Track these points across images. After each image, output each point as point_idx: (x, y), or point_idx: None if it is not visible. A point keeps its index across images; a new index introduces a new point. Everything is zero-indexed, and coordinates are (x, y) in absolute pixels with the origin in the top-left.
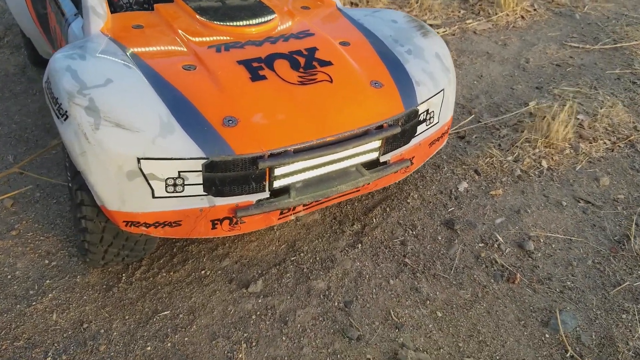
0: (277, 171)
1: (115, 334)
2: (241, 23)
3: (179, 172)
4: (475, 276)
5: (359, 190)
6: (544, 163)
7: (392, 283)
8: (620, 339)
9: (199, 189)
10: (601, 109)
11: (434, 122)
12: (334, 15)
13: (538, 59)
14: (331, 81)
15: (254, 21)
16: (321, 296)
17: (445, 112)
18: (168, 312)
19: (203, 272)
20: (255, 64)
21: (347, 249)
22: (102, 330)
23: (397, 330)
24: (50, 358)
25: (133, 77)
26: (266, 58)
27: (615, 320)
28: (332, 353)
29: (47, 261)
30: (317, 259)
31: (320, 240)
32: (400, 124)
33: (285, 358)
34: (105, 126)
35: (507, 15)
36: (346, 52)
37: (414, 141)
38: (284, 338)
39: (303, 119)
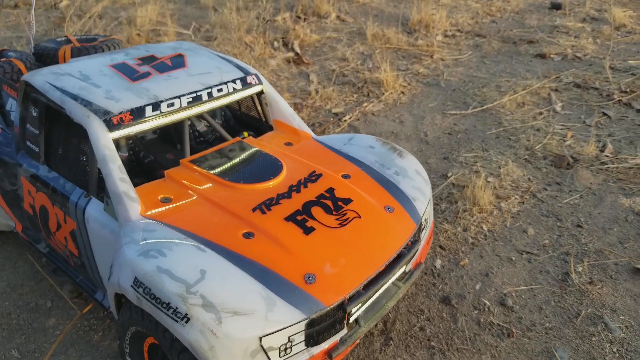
0: (353, 309)
1: None
2: (265, 178)
3: (289, 337)
4: (485, 340)
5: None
6: (485, 227)
7: None
8: (600, 356)
9: (302, 345)
10: (500, 168)
11: (428, 225)
12: (318, 149)
13: (432, 131)
14: (360, 217)
15: (271, 175)
16: None
17: (431, 213)
18: None
19: None
20: (299, 217)
21: (383, 348)
22: None
23: None
24: None
25: (215, 260)
26: (303, 209)
27: (590, 344)
28: None
29: None
30: None
31: (358, 348)
32: (417, 238)
33: None
34: (226, 318)
35: (391, 93)
36: (354, 185)
37: (420, 246)
38: None
39: (358, 258)
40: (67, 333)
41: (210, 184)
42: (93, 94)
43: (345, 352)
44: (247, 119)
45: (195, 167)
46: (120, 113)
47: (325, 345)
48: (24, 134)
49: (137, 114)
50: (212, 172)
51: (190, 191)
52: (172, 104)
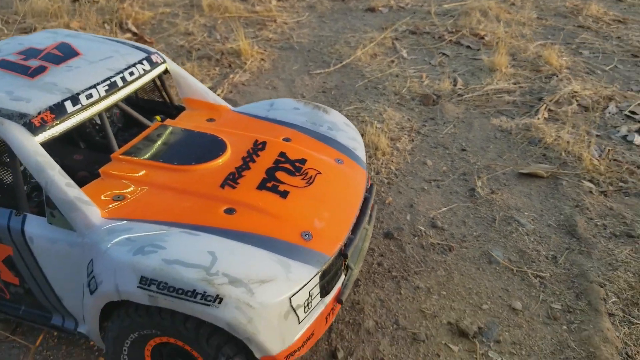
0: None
1: None
2: (214, 156)
3: (309, 292)
4: (433, 258)
5: None
6: (392, 167)
7: (402, 294)
8: (524, 247)
9: (318, 298)
10: (381, 115)
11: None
12: (245, 120)
13: (307, 91)
14: (321, 173)
15: (219, 151)
16: None
17: None
18: None
19: None
20: (269, 184)
21: (355, 290)
22: None
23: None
24: None
25: (215, 240)
26: (268, 176)
27: (512, 240)
28: None
29: None
30: None
31: None
32: (370, 182)
33: None
34: (256, 288)
35: (252, 62)
36: (300, 146)
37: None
38: None
39: (336, 208)
40: None
41: (158, 172)
42: None
43: (347, 295)
44: (149, 104)
45: (132, 159)
46: (39, 113)
47: (333, 293)
48: None
49: (58, 111)
50: (154, 160)
51: (138, 184)
52: (91, 95)
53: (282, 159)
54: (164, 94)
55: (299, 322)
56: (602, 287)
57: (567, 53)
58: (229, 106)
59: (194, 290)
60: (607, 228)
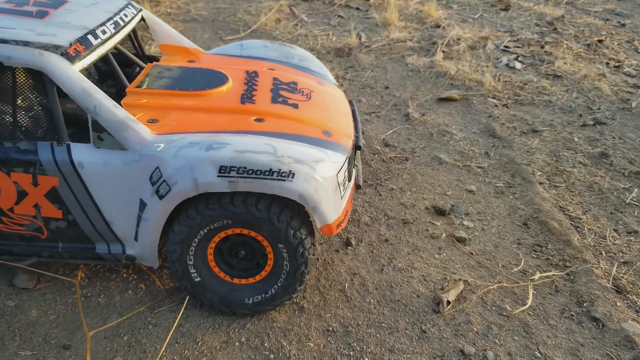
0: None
1: None
2: (220, 83)
3: (344, 173)
4: (395, 167)
5: None
6: None
7: (382, 195)
8: (459, 149)
9: (347, 180)
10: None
11: None
12: (224, 59)
13: None
14: (313, 91)
15: (224, 79)
16: None
17: None
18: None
19: None
20: (279, 99)
21: None
22: None
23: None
24: None
25: (264, 137)
26: (274, 94)
27: (450, 145)
28: None
29: None
30: None
31: None
32: (349, 100)
33: None
34: (315, 165)
35: None
36: (289, 74)
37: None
38: None
39: (337, 114)
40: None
41: (178, 98)
42: (21, 34)
43: (361, 182)
44: (122, 57)
45: (149, 90)
46: (71, 45)
47: (352, 179)
48: None
49: (85, 43)
50: (169, 89)
51: (164, 109)
52: (104, 32)
53: (277, 83)
54: (136, 44)
55: (341, 197)
56: (528, 166)
57: (441, 7)
58: (202, 50)
59: (270, 169)
60: (516, 129)
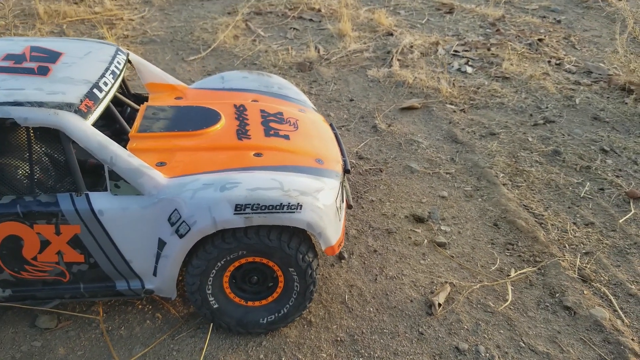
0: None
1: None
2: (214, 122)
3: (338, 196)
4: (372, 179)
5: None
6: None
7: (364, 207)
8: (427, 157)
9: (340, 201)
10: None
11: None
12: (209, 93)
13: (192, 75)
14: (298, 119)
15: (217, 117)
16: None
17: None
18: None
19: None
20: (272, 132)
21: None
22: None
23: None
24: None
25: (268, 173)
26: (265, 127)
27: (415, 154)
28: None
29: None
30: None
31: None
32: (330, 123)
33: None
34: (317, 195)
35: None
36: (273, 104)
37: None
38: None
39: (323, 140)
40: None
41: (179, 139)
42: (32, 95)
43: (351, 202)
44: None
45: (151, 134)
46: (82, 101)
47: (344, 199)
48: None
49: (93, 98)
50: (170, 130)
51: (168, 151)
52: (105, 83)
53: (265, 115)
54: (122, 85)
55: (340, 220)
56: (491, 169)
57: (389, 14)
58: (185, 85)
59: (281, 204)
60: (475, 133)
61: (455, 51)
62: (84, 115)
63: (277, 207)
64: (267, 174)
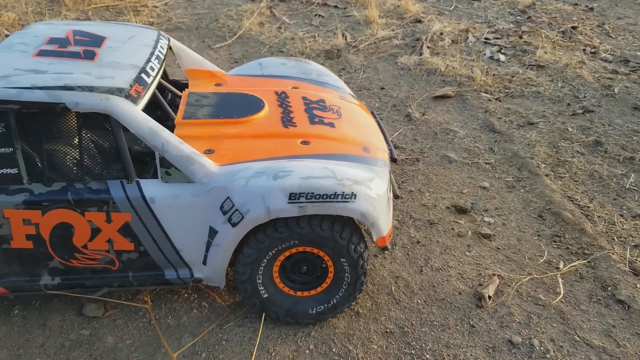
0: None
1: None
2: (258, 108)
3: (389, 186)
4: (410, 169)
5: None
6: None
7: (403, 197)
8: (465, 146)
9: (389, 192)
10: None
11: None
12: (249, 80)
13: (219, 63)
14: (340, 107)
15: (261, 104)
16: None
17: None
18: None
19: None
20: (316, 119)
21: None
22: None
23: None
24: None
25: (320, 161)
26: (310, 114)
27: (456, 144)
28: None
29: None
30: None
31: None
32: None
33: None
34: (370, 184)
35: None
36: (313, 91)
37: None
38: None
39: (368, 128)
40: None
41: (225, 126)
42: (82, 79)
43: (397, 191)
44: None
45: (196, 120)
46: (131, 86)
47: (390, 189)
48: None
49: (142, 83)
50: (215, 118)
51: (215, 138)
52: (152, 68)
53: (307, 101)
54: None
55: (389, 210)
56: (532, 159)
57: (416, 1)
58: (224, 71)
59: (335, 193)
60: (513, 122)
61: (487, 39)
62: (134, 100)
63: (332, 197)
64: (318, 162)
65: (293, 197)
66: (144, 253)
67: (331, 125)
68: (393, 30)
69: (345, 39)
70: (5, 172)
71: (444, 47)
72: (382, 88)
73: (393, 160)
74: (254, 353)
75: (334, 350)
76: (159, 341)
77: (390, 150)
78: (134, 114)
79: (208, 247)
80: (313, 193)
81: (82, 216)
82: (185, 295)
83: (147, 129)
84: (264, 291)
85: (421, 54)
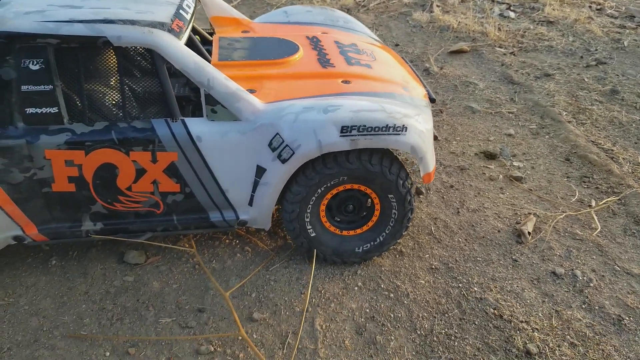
0: None
1: None
2: (293, 51)
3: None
4: (434, 119)
5: None
6: None
7: None
8: (486, 96)
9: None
10: None
11: None
12: (276, 26)
13: None
14: (374, 51)
15: (296, 47)
16: None
17: None
18: None
19: None
20: (352, 61)
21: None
22: None
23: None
24: None
25: (365, 98)
26: (345, 56)
27: (474, 95)
28: None
29: None
30: None
31: None
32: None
33: None
34: (418, 118)
35: None
36: (343, 36)
37: None
38: None
39: (401, 71)
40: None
41: (263, 67)
42: (122, 13)
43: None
44: None
45: (233, 62)
46: (172, 21)
47: None
48: (16, 102)
49: (182, 19)
50: (252, 59)
51: (255, 79)
52: (188, 6)
53: (340, 45)
54: None
55: (431, 144)
56: (553, 107)
57: None
58: (249, 19)
59: (387, 125)
60: (530, 74)
61: None
62: (177, 35)
63: (383, 129)
64: (364, 98)
65: (345, 130)
66: (190, 194)
67: (368, 66)
68: None
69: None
70: (45, 112)
71: (454, 5)
72: (397, 45)
73: (432, 100)
74: (309, 288)
75: (382, 286)
76: (205, 284)
77: (427, 91)
78: (178, 48)
79: (255, 187)
80: (365, 126)
81: (126, 156)
82: (227, 240)
83: (192, 64)
84: (311, 230)
85: (432, 12)
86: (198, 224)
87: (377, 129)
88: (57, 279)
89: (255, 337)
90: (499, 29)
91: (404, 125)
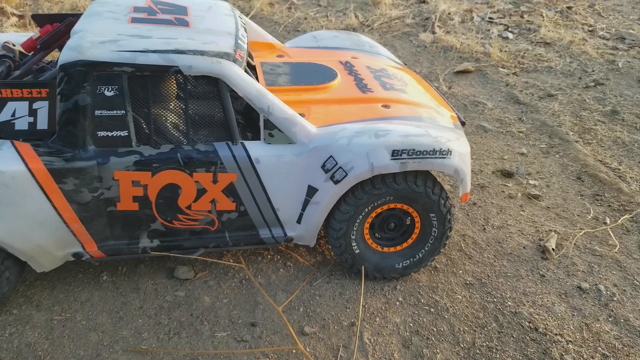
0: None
1: None
2: (333, 77)
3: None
4: None
5: None
6: None
7: None
8: (508, 83)
9: None
10: None
11: None
12: (308, 51)
13: None
14: (403, 75)
15: (334, 73)
16: None
17: None
18: None
19: None
20: (387, 86)
21: None
22: None
23: None
24: None
25: (408, 123)
26: (380, 81)
27: (503, 81)
28: None
29: None
30: None
31: None
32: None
33: None
34: (458, 142)
35: None
36: (372, 61)
37: None
38: None
39: (430, 93)
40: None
41: (307, 92)
42: (190, 44)
43: None
44: None
45: (279, 88)
46: (235, 51)
47: None
48: (89, 126)
49: (241, 48)
50: (296, 85)
51: (301, 104)
52: (243, 36)
53: (372, 70)
54: None
55: (469, 167)
56: (560, 127)
57: None
58: (281, 43)
59: (434, 149)
60: (534, 94)
61: (491, 18)
62: (240, 64)
63: (430, 153)
64: (405, 123)
65: (396, 153)
66: (244, 212)
67: (402, 91)
68: (402, 11)
69: (358, 19)
70: (115, 135)
71: (454, 26)
72: (405, 64)
73: (462, 123)
74: (361, 304)
75: (422, 301)
76: (255, 298)
77: (456, 114)
78: (242, 77)
79: (305, 206)
80: (414, 149)
81: (190, 177)
82: (269, 256)
83: (255, 92)
84: (356, 247)
85: (434, 33)
86: (248, 241)
87: (425, 153)
88: (110, 294)
89: (308, 350)
90: (500, 50)
91: (449, 149)
